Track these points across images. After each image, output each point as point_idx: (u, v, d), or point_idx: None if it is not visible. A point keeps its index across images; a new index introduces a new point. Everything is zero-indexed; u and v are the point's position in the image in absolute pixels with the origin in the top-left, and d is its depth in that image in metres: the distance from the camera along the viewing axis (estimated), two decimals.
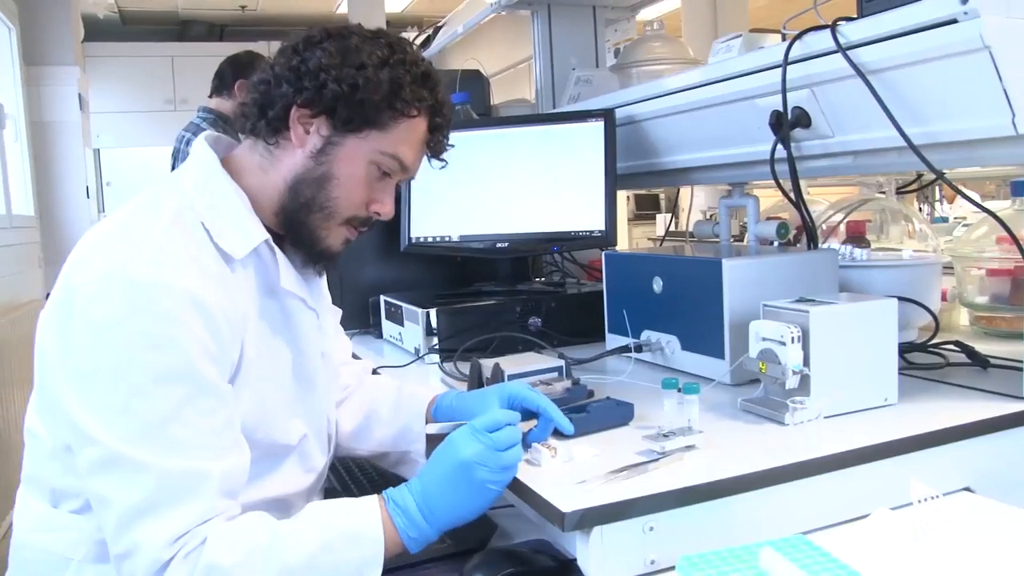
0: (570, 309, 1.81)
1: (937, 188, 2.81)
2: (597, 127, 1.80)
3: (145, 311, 0.93)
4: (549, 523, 0.91)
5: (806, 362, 1.11)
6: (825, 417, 1.09)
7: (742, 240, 2.11)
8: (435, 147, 1.17)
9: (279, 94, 1.07)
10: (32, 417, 1.08)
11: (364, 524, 0.97)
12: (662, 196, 7.36)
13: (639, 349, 1.49)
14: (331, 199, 1.10)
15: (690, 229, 2.73)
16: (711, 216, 5.19)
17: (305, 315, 1.15)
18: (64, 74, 4.87)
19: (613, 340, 1.64)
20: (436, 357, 1.69)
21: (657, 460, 0.98)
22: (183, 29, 8.23)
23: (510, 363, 1.30)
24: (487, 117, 2.36)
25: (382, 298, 1.97)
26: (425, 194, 1.97)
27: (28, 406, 1.08)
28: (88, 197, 4.99)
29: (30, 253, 4.31)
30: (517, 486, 0.99)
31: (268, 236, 1.08)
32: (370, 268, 2.06)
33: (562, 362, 1.32)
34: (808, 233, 1.48)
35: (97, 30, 7.26)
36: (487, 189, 1.91)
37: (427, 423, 1.23)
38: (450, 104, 1.17)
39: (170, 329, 0.94)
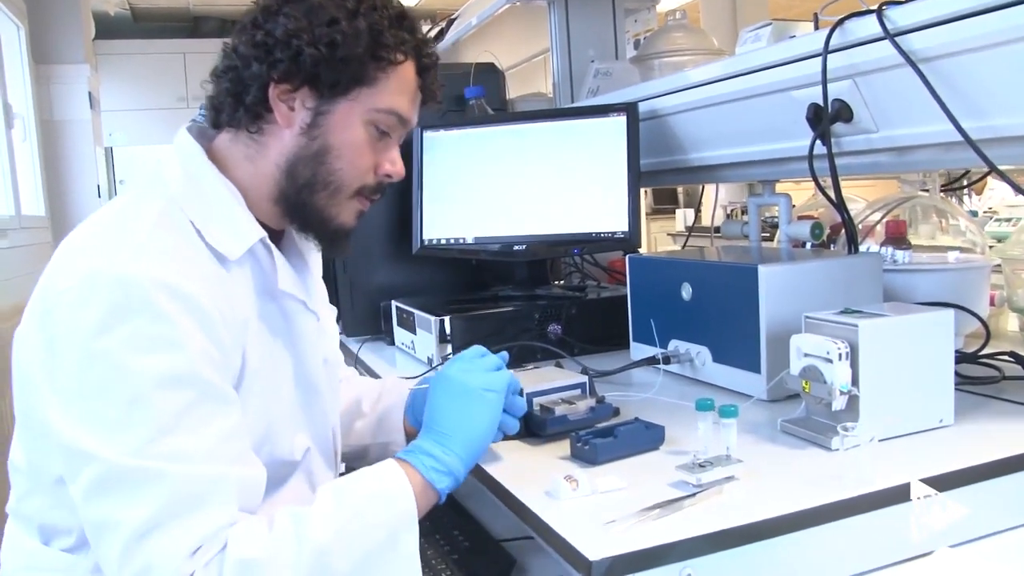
0: (592, 315, 1.71)
1: (964, 181, 2.69)
2: (619, 122, 1.70)
3: (138, 310, 0.84)
4: (573, 570, 0.81)
5: (854, 381, 1.01)
6: (879, 440, 0.99)
7: (771, 240, 2.00)
8: (428, 90, 1.07)
9: (251, 75, 0.98)
10: (16, 450, 0.99)
11: (388, 480, 0.92)
12: (680, 190, 7.24)
13: (667, 360, 1.39)
14: (334, 173, 1.01)
15: (715, 225, 2.63)
16: (732, 212, 5.07)
17: (306, 318, 1.06)
18: (74, 72, 4.81)
19: (638, 350, 1.54)
20: None
21: (693, 495, 0.88)
22: (195, 25, 8.16)
23: (529, 379, 1.20)
24: (502, 112, 2.26)
25: (393, 304, 1.88)
26: (438, 194, 1.88)
27: (12, 439, 0.99)
28: (100, 196, 4.93)
29: (41, 254, 4.25)
30: (536, 522, 0.89)
31: (264, 234, 1.00)
32: (381, 271, 1.98)
33: (585, 378, 1.22)
34: (849, 236, 1.38)
35: (108, 27, 7.20)
36: (503, 188, 1.81)
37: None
38: (432, 41, 1.08)
39: (167, 329, 0.84)
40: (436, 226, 1.88)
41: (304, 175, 1.00)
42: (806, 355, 1.05)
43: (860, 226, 1.77)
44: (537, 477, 0.98)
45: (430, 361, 1.63)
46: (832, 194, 1.34)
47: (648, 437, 1.06)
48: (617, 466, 1.01)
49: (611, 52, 2.40)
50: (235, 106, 1.00)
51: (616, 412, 1.19)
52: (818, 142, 1.31)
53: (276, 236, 1.07)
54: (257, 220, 1.01)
